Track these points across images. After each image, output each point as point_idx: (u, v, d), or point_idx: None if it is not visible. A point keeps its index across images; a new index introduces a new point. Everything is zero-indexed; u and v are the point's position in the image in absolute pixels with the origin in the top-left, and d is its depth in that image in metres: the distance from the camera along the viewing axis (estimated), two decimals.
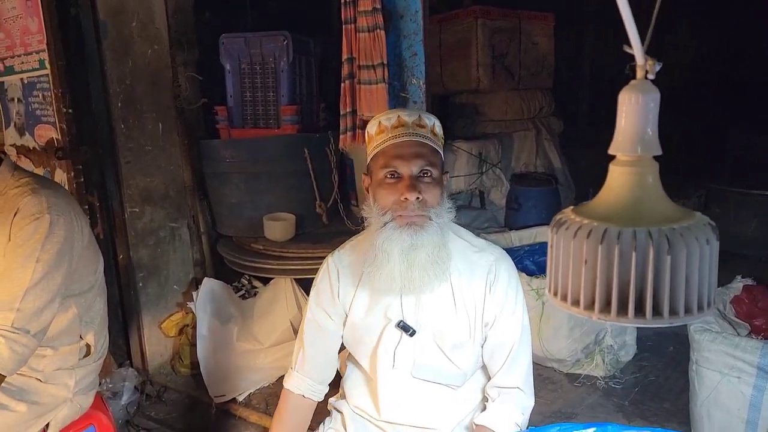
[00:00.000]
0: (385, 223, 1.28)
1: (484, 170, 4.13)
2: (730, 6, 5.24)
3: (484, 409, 1.43)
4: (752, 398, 2.05)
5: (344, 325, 1.46)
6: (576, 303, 0.59)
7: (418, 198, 1.25)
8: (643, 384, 2.79)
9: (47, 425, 1.66)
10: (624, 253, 0.55)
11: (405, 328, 1.37)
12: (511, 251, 3.28)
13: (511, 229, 3.65)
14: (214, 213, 3.15)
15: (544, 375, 2.89)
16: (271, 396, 2.71)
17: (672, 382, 2.78)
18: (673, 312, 0.56)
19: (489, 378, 1.45)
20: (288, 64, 2.95)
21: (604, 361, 2.83)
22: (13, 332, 1.45)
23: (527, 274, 2.91)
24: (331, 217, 3.02)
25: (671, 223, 0.56)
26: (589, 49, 5.58)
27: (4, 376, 1.46)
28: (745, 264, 3.52)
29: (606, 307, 0.57)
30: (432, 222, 1.27)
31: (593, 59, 5.76)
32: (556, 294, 0.62)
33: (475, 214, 4.16)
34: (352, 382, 1.55)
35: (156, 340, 3.04)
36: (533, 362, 2.98)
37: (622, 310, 0.56)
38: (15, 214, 1.54)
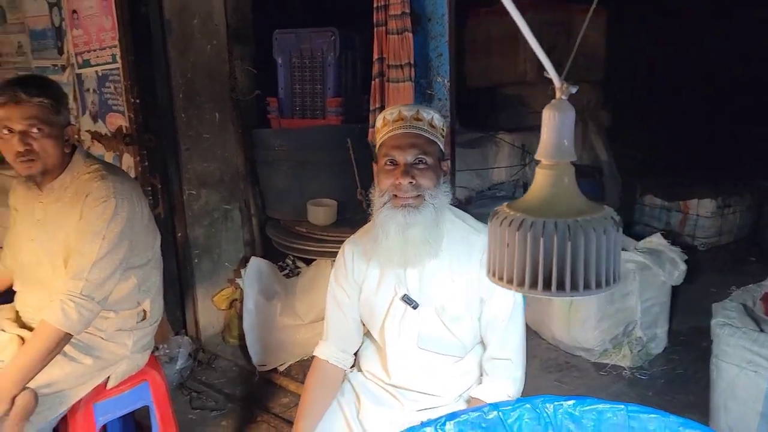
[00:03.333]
0: (384, 204, 1.46)
1: (527, 162, 4.20)
2: None
3: (480, 383, 1.58)
4: None
5: (359, 299, 1.64)
6: (501, 279, 0.74)
7: (411, 182, 1.42)
8: (669, 376, 2.85)
9: (108, 377, 1.91)
10: (536, 238, 0.70)
11: (408, 301, 1.54)
12: None
13: None
14: (263, 197, 3.37)
15: (571, 363, 2.98)
16: (309, 368, 2.92)
17: (700, 377, 2.81)
18: (573, 287, 0.69)
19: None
20: (335, 59, 3.12)
21: (632, 352, 2.90)
22: (82, 298, 1.70)
23: None
24: (371, 204, 3.19)
25: (578, 215, 0.70)
26: (644, 42, 5.49)
27: (72, 335, 1.70)
28: None
29: (522, 282, 0.72)
30: (426, 202, 1.44)
31: (649, 52, 5.66)
32: (491, 273, 0.77)
33: None
34: (366, 352, 1.74)
35: (208, 312, 3.31)
36: (562, 350, 3.09)
37: (534, 284, 0.71)
38: (86, 197, 1.79)
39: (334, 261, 3.11)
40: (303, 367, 2.94)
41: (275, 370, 2.93)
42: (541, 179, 0.74)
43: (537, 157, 0.74)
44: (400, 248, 1.46)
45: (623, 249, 3.03)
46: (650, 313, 2.97)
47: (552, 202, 0.72)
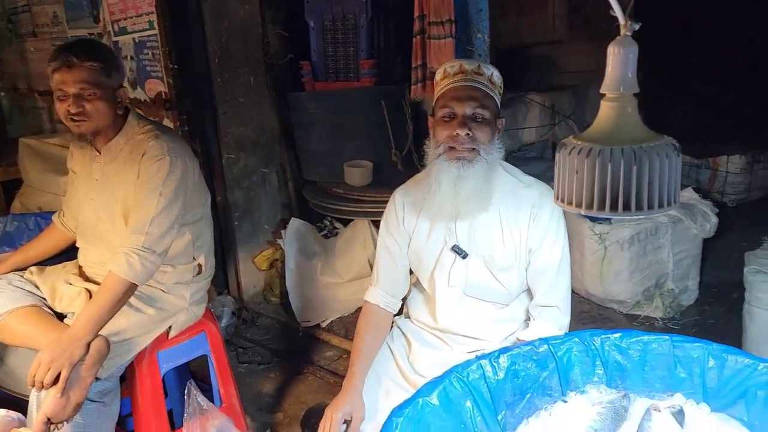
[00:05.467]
0: (439, 155, 1.51)
1: (556, 122, 4.21)
2: None
3: (527, 327, 1.66)
4: None
5: (408, 247, 1.71)
6: (570, 203, 0.81)
7: (468, 134, 1.47)
8: (701, 326, 2.90)
9: (170, 328, 2.03)
10: (603, 164, 0.76)
11: (458, 251, 1.60)
12: None
13: None
14: (299, 160, 3.46)
15: (604, 315, 3.05)
16: (350, 324, 3.03)
17: (731, 326, 2.86)
18: (638, 207, 0.76)
19: (532, 300, 1.66)
20: (367, 20, 3.16)
21: (663, 304, 2.95)
22: (144, 251, 1.80)
23: (591, 220, 3.03)
24: (405, 165, 3.26)
25: (641, 143, 0.76)
26: None
27: (137, 285, 1.82)
28: None
29: (590, 205, 0.78)
30: (480, 157, 1.49)
31: (685, 8, 5.53)
32: (559, 199, 0.84)
33: (546, 166, 4.24)
34: (415, 301, 1.82)
35: (250, 273, 3.42)
36: (595, 303, 3.15)
37: (602, 206, 0.77)
38: (142, 156, 1.88)
39: (371, 221, 3.23)
40: (344, 323, 3.05)
41: (318, 326, 3.04)
42: (606, 110, 0.80)
43: (602, 90, 0.80)
44: (452, 201, 1.52)
45: None
46: (682, 266, 3.02)
47: (617, 131, 0.78)
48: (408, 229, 1.70)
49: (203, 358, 2.25)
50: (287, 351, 2.97)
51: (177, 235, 1.95)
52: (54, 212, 2.27)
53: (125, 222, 1.90)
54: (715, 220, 2.97)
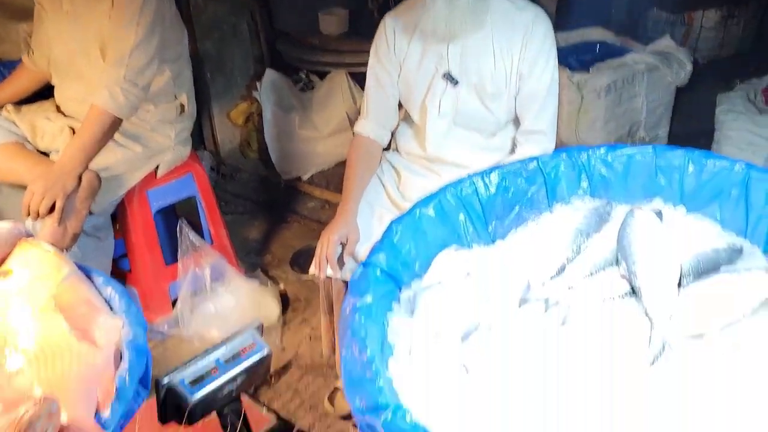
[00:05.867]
0: None
1: None
2: None
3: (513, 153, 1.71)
4: None
5: (399, 77, 1.70)
6: None
7: None
8: None
9: (157, 167, 2.04)
10: None
11: (449, 78, 1.61)
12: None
13: (557, 31, 3.69)
14: (270, 9, 3.30)
15: None
16: (331, 176, 3.05)
17: None
18: None
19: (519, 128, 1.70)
20: None
21: None
22: (126, 83, 1.77)
23: (570, 69, 3.03)
24: (382, 12, 3.14)
25: None
26: None
27: (121, 120, 1.80)
28: None
29: None
30: None
31: None
32: None
33: None
34: (404, 134, 1.84)
35: (225, 128, 3.36)
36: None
37: None
38: None
39: (348, 73, 3.16)
40: (325, 175, 3.06)
41: (299, 178, 3.06)
42: None
43: None
44: (447, 17, 1.50)
45: (632, 51, 3.06)
46: (654, 114, 3.10)
47: None
48: (399, 56, 1.68)
49: (191, 207, 2.29)
50: (270, 202, 3.02)
51: (157, 72, 1.91)
52: (18, 60, 2.16)
53: (102, 56, 1.85)
54: (689, 67, 3.01)
